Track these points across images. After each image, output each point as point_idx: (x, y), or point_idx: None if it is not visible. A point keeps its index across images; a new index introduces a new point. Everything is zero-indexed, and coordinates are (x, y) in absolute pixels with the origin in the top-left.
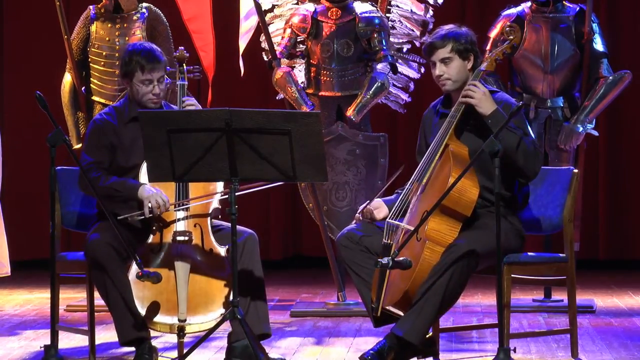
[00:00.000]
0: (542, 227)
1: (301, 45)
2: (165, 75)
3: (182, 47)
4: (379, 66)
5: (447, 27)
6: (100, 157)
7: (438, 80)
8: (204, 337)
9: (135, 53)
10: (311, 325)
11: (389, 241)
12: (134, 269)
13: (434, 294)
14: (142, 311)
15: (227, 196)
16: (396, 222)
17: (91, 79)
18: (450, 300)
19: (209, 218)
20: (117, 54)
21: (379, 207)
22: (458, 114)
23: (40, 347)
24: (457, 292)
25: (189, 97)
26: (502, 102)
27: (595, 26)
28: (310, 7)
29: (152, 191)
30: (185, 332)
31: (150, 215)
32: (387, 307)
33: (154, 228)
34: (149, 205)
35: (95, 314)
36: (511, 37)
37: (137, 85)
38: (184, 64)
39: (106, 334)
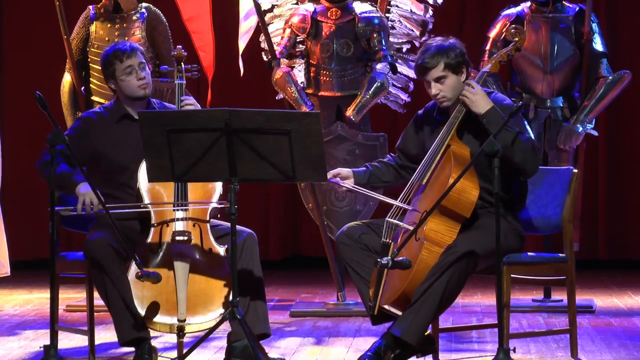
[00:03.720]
0: (541, 227)
1: (301, 45)
2: (146, 64)
3: (180, 46)
4: (379, 66)
5: (435, 43)
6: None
7: (435, 98)
8: (204, 337)
9: (110, 51)
10: (311, 325)
11: (387, 240)
12: (133, 269)
13: (433, 294)
14: (142, 311)
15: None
16: (395, 221)
17: (91, 79)
18: (448, 301)
19: (208, 218)
20: None
21: (347, 178)
22: (460, 115)
23: (40, 347)
24: (455, 293)
25: (187, 96)
26: (496, 103)
27: (594, 26)
28: (310, 7)
29: (86, 190)
30: (185, 332)
31: (83, 212)
32: (385, 306)
33: (151, 228)
34: (82, 202)
35: (95, 314)
36: (516, 38)
37: (121, 78)
38: (182, 63)
39: (106, 334)
